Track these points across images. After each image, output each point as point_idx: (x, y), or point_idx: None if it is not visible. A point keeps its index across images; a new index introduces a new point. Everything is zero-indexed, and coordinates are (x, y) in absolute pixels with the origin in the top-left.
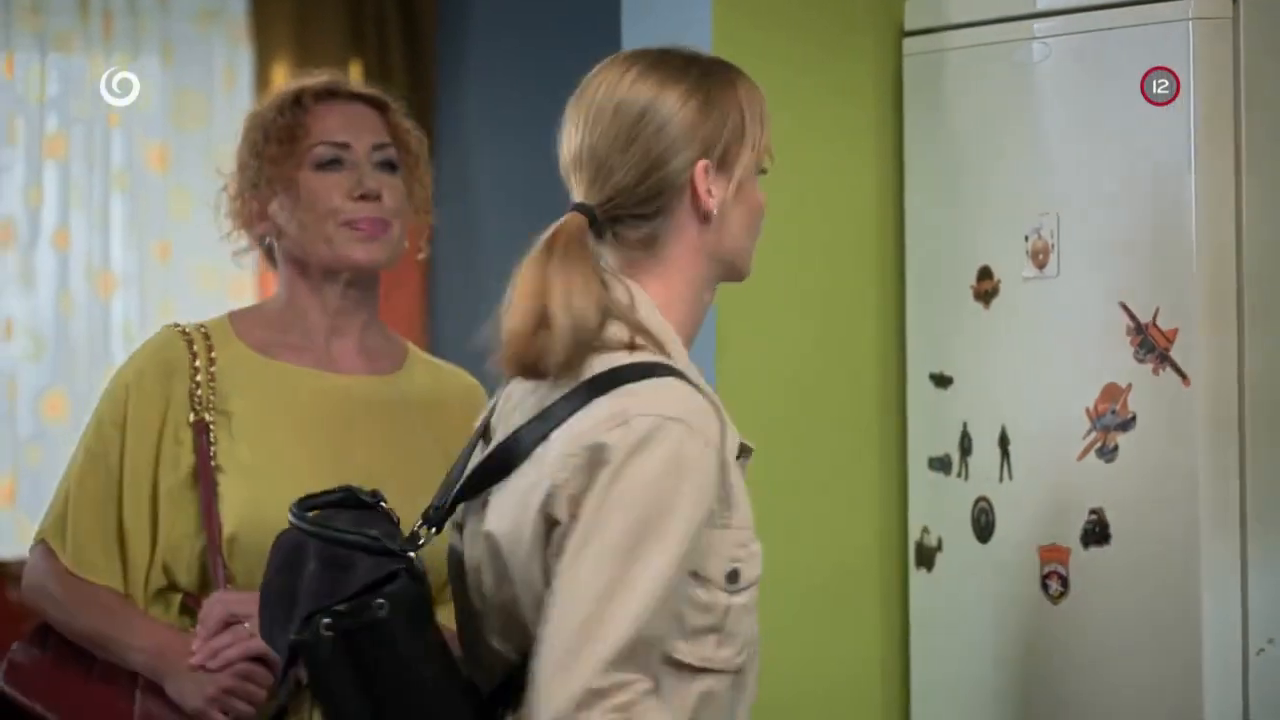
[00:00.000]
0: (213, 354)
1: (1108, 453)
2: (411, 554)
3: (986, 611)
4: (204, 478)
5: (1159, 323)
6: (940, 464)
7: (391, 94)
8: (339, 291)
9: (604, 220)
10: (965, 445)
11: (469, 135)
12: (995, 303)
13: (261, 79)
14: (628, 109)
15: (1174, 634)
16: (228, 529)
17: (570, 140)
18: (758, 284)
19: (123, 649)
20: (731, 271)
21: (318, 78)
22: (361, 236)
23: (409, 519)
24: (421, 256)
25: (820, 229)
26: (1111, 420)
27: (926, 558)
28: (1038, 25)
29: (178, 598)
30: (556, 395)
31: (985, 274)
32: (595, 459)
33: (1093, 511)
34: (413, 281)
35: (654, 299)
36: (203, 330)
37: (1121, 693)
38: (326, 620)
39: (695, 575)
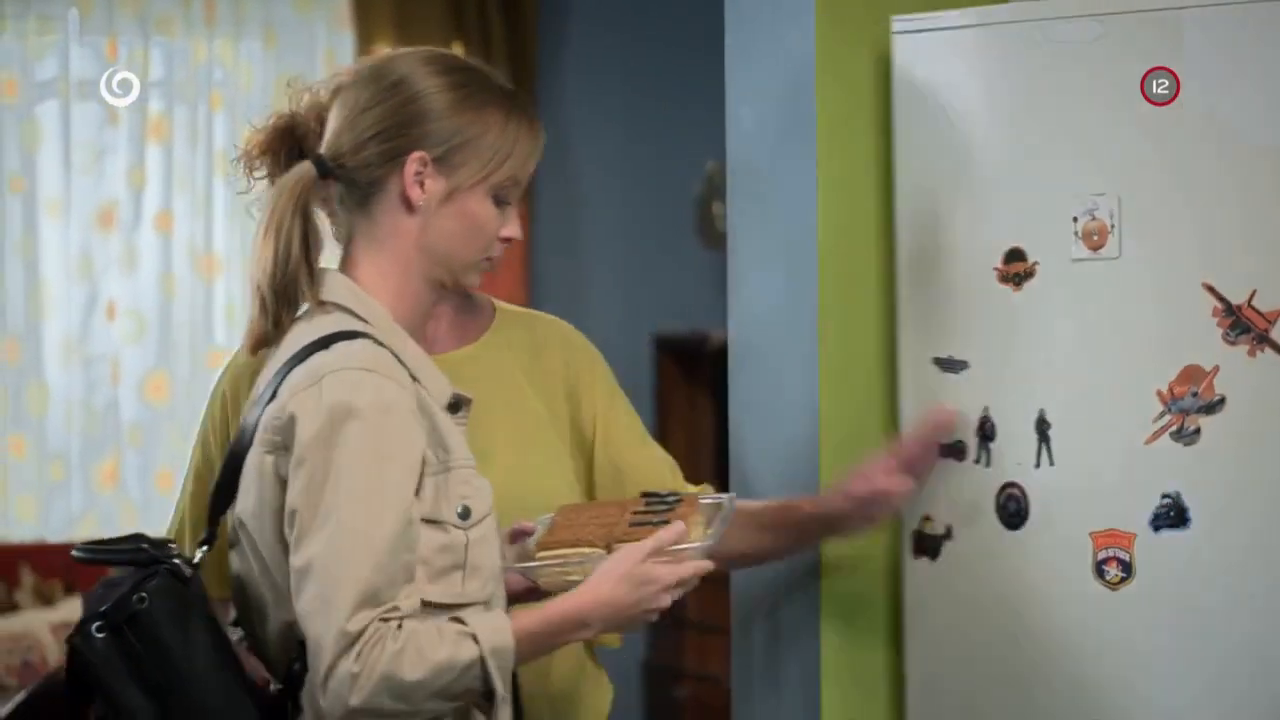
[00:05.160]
0: None
1: (1186, 435)
2: (177, 559)
3: (1013, 599)
4: None
5: (1256, 304)
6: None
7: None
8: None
9: (335, 172)
10: (986, 431)
11: (569, 117)
12: (1030, 285)
13: None
14: (388, 74)
15: (1261, 620)
16: None
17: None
18: None
19: None
20: (446, 275)
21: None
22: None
23: (526, 473)
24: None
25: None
26: (1192, 403)
27: (930, 547)
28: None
29: None
30: (270, 372)
31: (1016, 256)
32: (296, 421)
33: (1166, 495)
34: (514, 263)
35: (364, 270)
36: None
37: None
38: (97, 623)
39: (431, 521)
